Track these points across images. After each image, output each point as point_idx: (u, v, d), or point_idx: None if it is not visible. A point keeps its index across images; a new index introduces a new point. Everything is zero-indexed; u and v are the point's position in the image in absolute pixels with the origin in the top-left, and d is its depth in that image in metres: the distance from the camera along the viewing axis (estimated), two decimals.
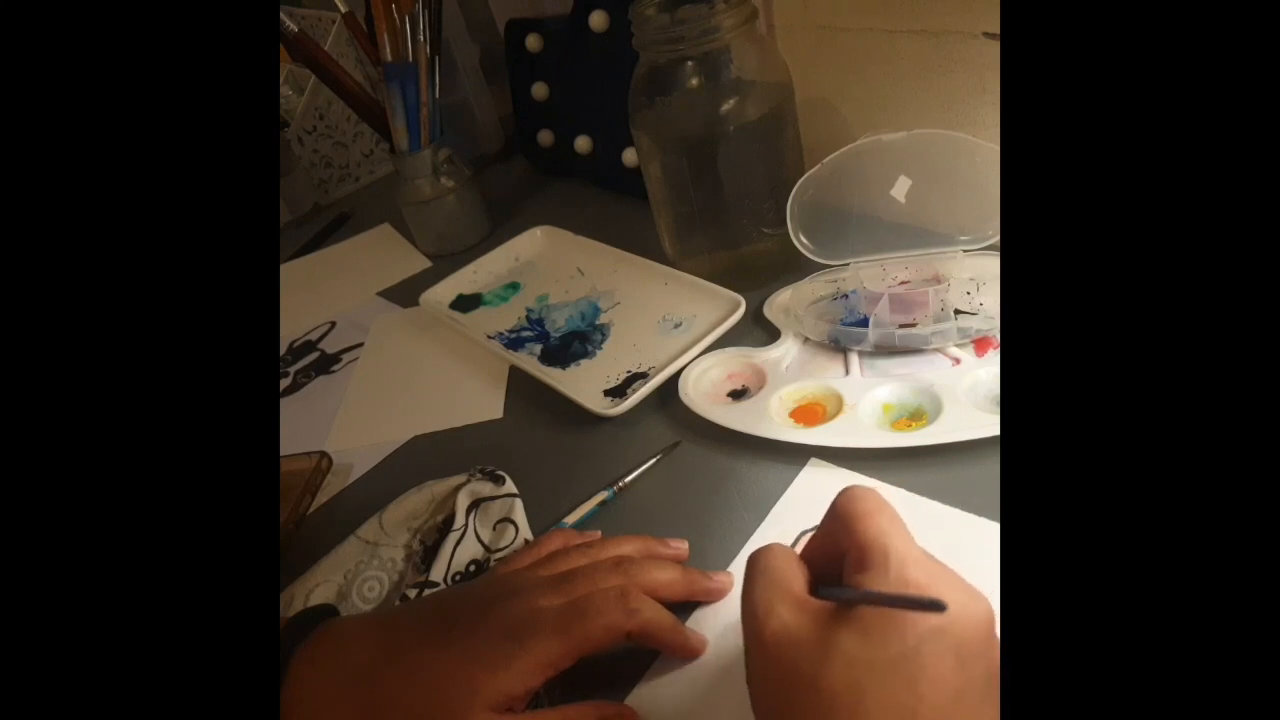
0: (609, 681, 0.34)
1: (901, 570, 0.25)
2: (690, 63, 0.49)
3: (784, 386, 0.46)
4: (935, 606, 0.23)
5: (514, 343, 0.56)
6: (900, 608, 0.24)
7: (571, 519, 0.42)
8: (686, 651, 0.34)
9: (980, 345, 0.45)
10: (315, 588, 0.40)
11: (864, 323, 0.47)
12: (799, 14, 0.57)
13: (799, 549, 0.30)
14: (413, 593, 0.39)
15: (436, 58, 0.68)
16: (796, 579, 0.28)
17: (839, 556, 0.28)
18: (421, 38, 0.66)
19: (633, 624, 0.32)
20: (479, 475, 0.44)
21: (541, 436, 0.49)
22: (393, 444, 0.51)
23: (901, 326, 0.46)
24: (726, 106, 0.50)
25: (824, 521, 0.29)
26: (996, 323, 0.45)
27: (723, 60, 0.49)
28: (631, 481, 0.44)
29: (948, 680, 0.23)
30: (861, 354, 0.47)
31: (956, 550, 0.28)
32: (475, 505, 0.42)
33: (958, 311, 0.46)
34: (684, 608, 0.36)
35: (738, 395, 0.47)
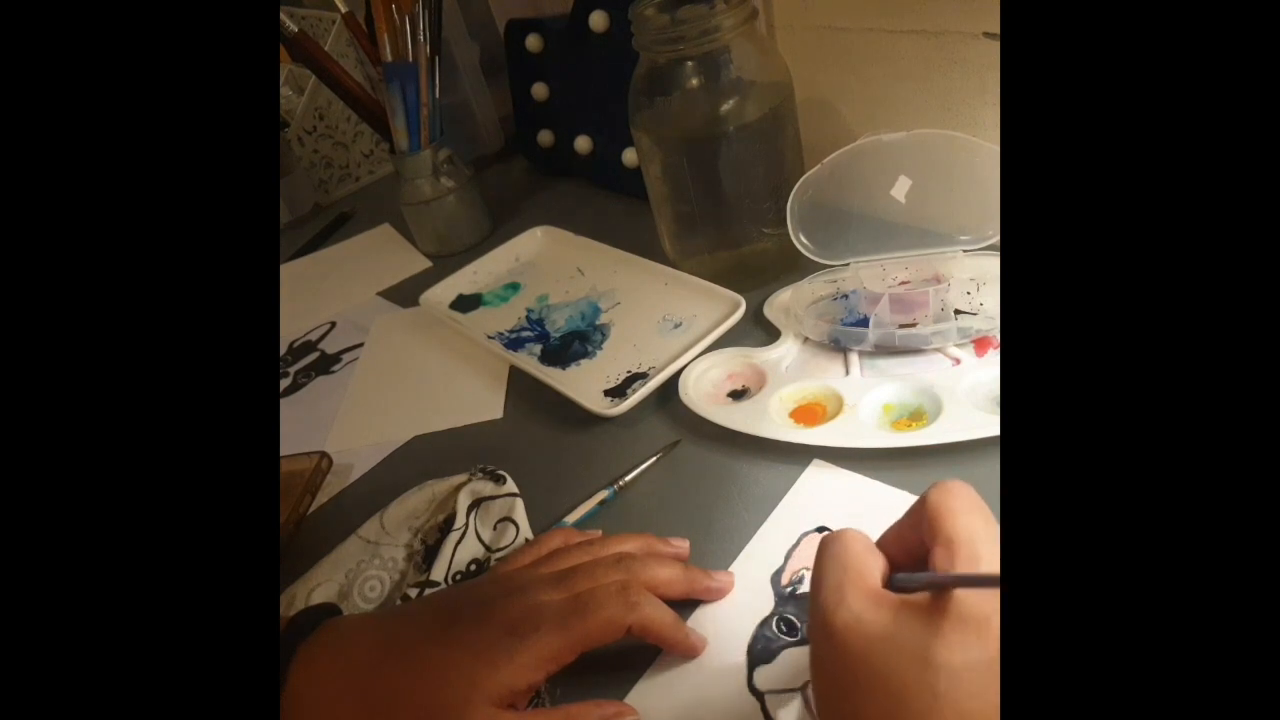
0: (610, 680, 0.34)
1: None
2: (690, 63, 0.49)
3: (784, 387, 0.46)
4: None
5: (514, 343, 0.56)
6: (976, 586, 0.23)
7: (572, 518, 0.42)
8: (687, 648, 0.34)
9: (980, 345, 0.45)
10: (316, 587, 0.40)
11: (864, 323, 0.47)
12: (799, 14, 0.57)
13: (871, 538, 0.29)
14: (414, 592, 0.39)
15: (436, 58, 0.68)
16: (871, 569, 0.26)
17: (918, 550, 0.27)
18: (421, 38, 0.66)
19: (633, 617, 0.32)
20: (480, 474, 0.44)
21: (541, 436, 0.49)
22: (393, 444, 0.51)
23: (901, 326, 0.46)
24: (726, 106, 0.50)
25: (910, 512, 0.28)
26: (996, 323, 0.45)
27: (723, 60, 0.49)
28: (632, 481, 0.44)
29: None
30: (861, 354, 0.47)
31: None
32: (476, 505, 0.42)
33: (958, 311, 0.47)
34: (685, 608, 0.36)
35: (738, 395, 0.47)
